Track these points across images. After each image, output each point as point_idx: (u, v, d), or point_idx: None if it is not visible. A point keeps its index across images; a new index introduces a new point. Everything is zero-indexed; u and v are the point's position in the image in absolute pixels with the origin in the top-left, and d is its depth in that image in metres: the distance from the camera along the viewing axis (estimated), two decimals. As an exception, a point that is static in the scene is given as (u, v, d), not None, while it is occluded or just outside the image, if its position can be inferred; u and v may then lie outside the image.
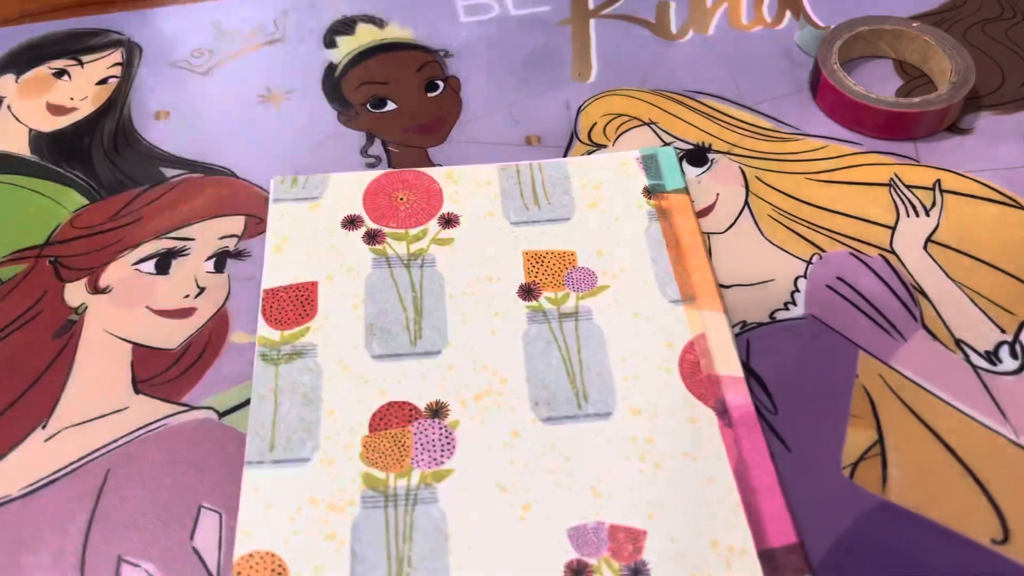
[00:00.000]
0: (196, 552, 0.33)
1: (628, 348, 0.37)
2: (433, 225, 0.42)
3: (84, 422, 0.37)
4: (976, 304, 0.39)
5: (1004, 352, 0.37)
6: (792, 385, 0.37)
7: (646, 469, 0.34)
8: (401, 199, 0.43)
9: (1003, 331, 0.38)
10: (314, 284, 0.40)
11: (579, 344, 0.38)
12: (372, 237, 0.42)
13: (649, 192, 0.43)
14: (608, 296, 0.39)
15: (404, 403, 0.36)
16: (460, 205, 0.43)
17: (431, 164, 0.45)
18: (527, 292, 0.39)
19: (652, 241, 0.41)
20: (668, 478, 0.34)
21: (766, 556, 0.32)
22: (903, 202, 0.42)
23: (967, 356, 0.37)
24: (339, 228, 0.42)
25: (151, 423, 0.37)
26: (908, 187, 0.43)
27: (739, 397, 0.36)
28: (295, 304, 0.39)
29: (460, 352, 0.38)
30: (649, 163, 0.44)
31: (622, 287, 0.39)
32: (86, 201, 0.45)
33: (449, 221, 0.42)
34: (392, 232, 0.42)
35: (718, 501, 0.33)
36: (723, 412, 0.35)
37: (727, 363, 0.37)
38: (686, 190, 0.43)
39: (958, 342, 0.37)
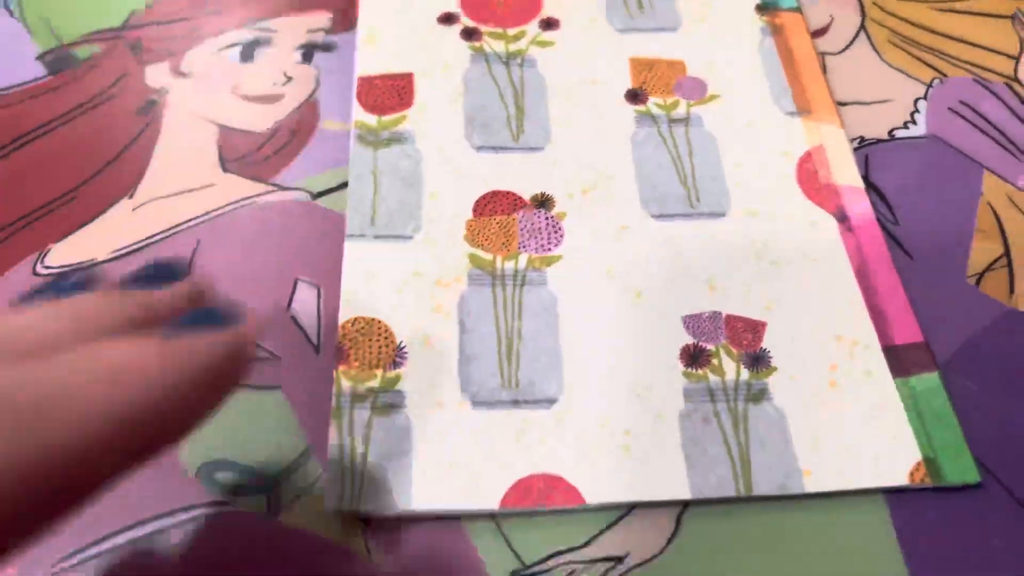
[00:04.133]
0: (294, 320, 0.32)
1: (742, 155, 0.36)
2: (533, 27, 0.40)
3: (171, 195, 0.35)
4: (1107, 132, 0.37)
5: None
6: (914, 199, 0.35)
7: (763, 266, 0.33)
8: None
9: None
10: (410, 75, 0.38)
11: (690, 148, 0.36)
12: (470, 34, 0.39)
13: (762, 9, 0.40)
14: (720, 105, 0.37)
15: (509, 192, 0.34)
16: (562, 9, 0.40)
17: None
18: (634, 97, 0.37)
19: (766, 55, 0.39)
20: (787, 276, 0.32)
21: (891, 352, 0.30)
22: (1028, 34, 0.40)
23: (1097, 181, 0.35)
24: (435, 23, 0.40)
25: (241, 199, 0.35)
26: (1033, 21, 0.41)
27: (859, 206, 0.34)
28: (391, 93, 0.37)
29: (564, 149, 0.36)
30: None
31: (735, 97, 0.37)
32: (163, -10, 0.42)
33: (550, 24, 0.40)
34: (490, 31, 0.40)
35: (840, 299, 0.32)
36: (843, 218, 0.34)
37: (846, 174, 0.35)
38: (799, 10, 0.41)
39: (1088, 167, 0.36)
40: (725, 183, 0.35)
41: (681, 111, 0.37)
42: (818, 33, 0.40)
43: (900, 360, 0.30)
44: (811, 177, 0.35)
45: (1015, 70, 0.39)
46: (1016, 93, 0.38)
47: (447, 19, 0.40)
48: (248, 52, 0.40)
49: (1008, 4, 0.42)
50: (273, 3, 0.42)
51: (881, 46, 0.40)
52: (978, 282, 0.33)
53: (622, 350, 0.30)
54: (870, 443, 0.28)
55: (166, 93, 0.38)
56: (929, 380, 0.30)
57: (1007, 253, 0.33)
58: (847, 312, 0.31)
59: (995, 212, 0.34)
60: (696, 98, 0.37)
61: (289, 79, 0.39)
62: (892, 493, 0.28)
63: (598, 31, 0.40)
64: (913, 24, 0.41)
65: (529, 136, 0.36)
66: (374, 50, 0.39)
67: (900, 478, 0.28)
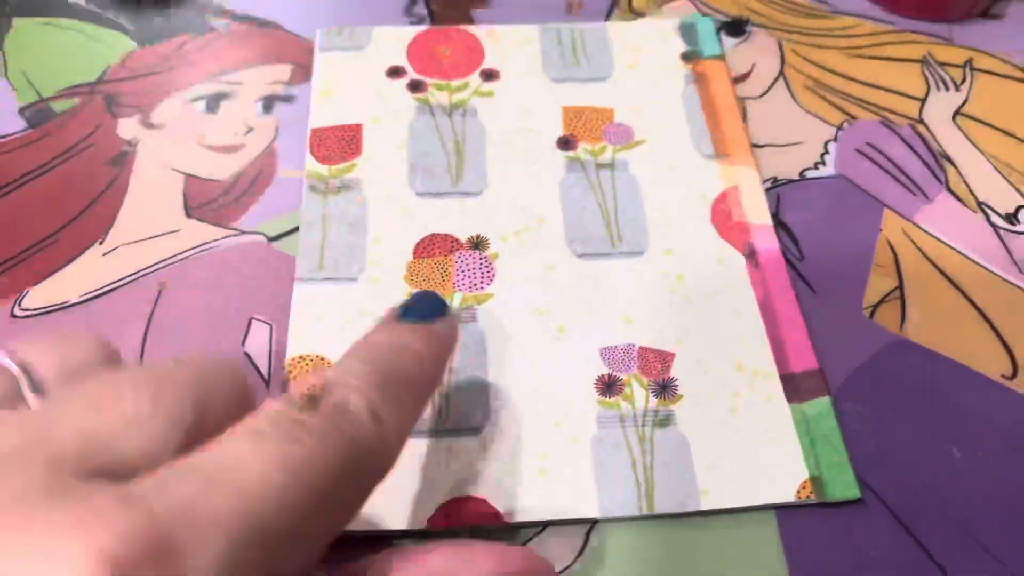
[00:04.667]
0: (248, 356, 0.35)
1: (662, 197, 0.39)
2: (475, 78, 0.43)
3: (139, 240, 0.38)
4: (999, 171, 0.40)
5: (1024, 214, 0.39)
6: (819, 235, 0.38)
7: (675, 301, 0.36)
8: (444, 53, 0.44)
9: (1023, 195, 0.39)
10: (359, 126, 0.41)
11: (615, 191, 0.39)
12: (415, 87, 0.43)
13: (687, 57, 0.44)
14: (644, 150, 0.40)
15: (447, 235, 0.38)
16: (501, 61, 0.44)
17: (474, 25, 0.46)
18: (565, 143, 0.41)
19: (688, 101, 0.42)
20: (696, 309, 0.35)
21: (788, 379, 0.34)
22: (934, 77, 0.44)
23: (988, 216, 0.38)
24: (383, 77, 0.43)
25: (203, 244, 0.38)
26: (940, 64, 0.44)
27: (767, 242, 0.37)
28: (341, 143, 0.40)
29: (499, 194, 0.39)
30: (687, 31, 0.45)
31: (658, 142, 0.41)
32: (135, 45, 0.46)
33: (490, 75, 0.43)
34: (435, 83, 0.43)
35: (744, 331, 0.35)
36: (751, 255, 0.37)
37: (757, 213, 0.38)
38: (723, 57, 0.44)
39: (980, 204, 0.39)
40: (645, 223, 0.38)
41: (607, 156, 0.40)
42: (740, 79, 0.44)
43: (796, 386, 0.34)
44: (724, 216, 0.38)
45: (920, 112, 0.42)
46: (919, 134, 0.41)
47: (395, 72, 0.43)
48: (213, 104, 0.43)
49: (916, 49, 0.45)
50: (237, 56, 0.45)
51: (797, 91, 0.43)
52: (872, 313, 0.36)
53: (544, 381, 0.34)
54: (763, 464, 0.32)
55: (137, 143, 0.42)
56: (821, 404, 0.33)
57: (900, 286, 0.37)
58: (750, 343, 0.35)
59: (892, 247, 0.38)
60: (622, 143, 0.41)
61: (250, 129, 0.42)
62: (782, 510, 0.31)
63: (535, 81, 0.43)
64: (827, 70, 0.44)
65: (467, 182, 0.39)
66: (327, 104, 0.42)
67: (788, 495, 0.31)
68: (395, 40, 0.44)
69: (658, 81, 0.43)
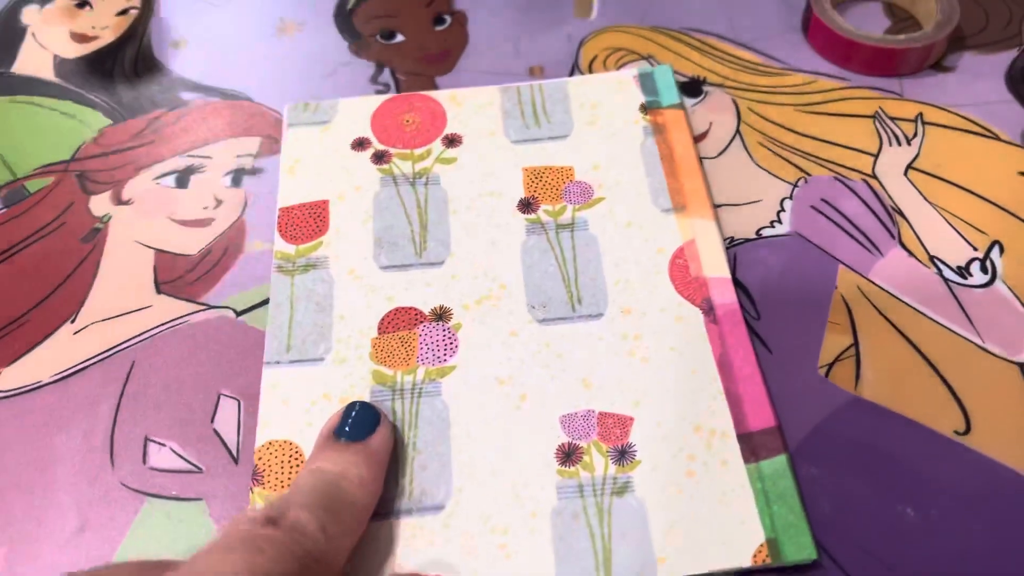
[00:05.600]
0: (217, 433, 0.36)
1: (621, 254, 0.40)
2: (437, 145, 0.44)
3: (110, 318, 0.39)
4: (951, 224, 0.41)
5: (975, 267, 0.39)
6: (775, 294, 0.39)
7: (634, 363, 0.36)
8: (407, 121, 0.45)
9: (975, 248, 0.40)
10: (325, 202, 0.42)
11: (575, 252, 0.40)
12: (379, 157, 0.44)
13: (645, 108, 0.45)
14: (603, 207, 0.41)
15: (410, 308, 0.38)
16: (463, 125, 0.45)
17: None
18: (526, 206, 0.42)
19: (647, 155, 0.43)
20: (654, 370, 0.36)
21: (745, 437, 0.34)
22: (886, 132, 0.45)
23: (940, 271, 0.39)
24: (349, 150, 0.44)
25: (173, 320, 0.39)
26: (892, 119, 0.45)
27: (725, 296, 0.38)
28: (308, 220, 0.41)
29: (462, 262, 0.40)
30: (646, 81, 0.46)
31: (617, 199, 0.42)
32: (109, 122, 0.47)
33: (452, 141, 0.44)
34: (398, 152, 0.44)
35: (701, 390, 0.36)
36: (709, 310, 0.38)
37: (715, 266, 0.39)
38: (681, 105, 0.45)
39: (932, 258, 0.40)
40: (604, 283, 0.39)
41: (567, 216, 0.41)
42: (698, 139, 0.45)
43: (753, 444, 0.34)
44: (682, 271, 0.39)
45: (873, 167, 0.43)
46: (872, 189, 0.42)
47: (360, 144, 0.44)
48: (183, 179, 0.44)
49: (868, 104, 0.46)
50: (207, 130, 0.46)
51: (753, 148, 0.44)
52: (828, 372, 0.36)
53: (505, 453, 0.34)
54: (720, 528, 0.32)
55: (108, 220, 0.43)
56: (777, 463, 0.34)
57: (856, 343, 0.37)
58: (707, 402, 0.35)
59: (847, 303, 0.38)
60: (582, 202, 0.42)
61: (220, 203, 0.43)
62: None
63: (496, 144, 0.44)
64: (782, 127, 0.45)
65: (431, 251, 0.40)
66: (294, 182, 0.43)
67: (745, 560, 0.31)
68: (360, 111, 0.46)
69: (617, 135, 0.44)
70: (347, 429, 0.32)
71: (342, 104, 0.46)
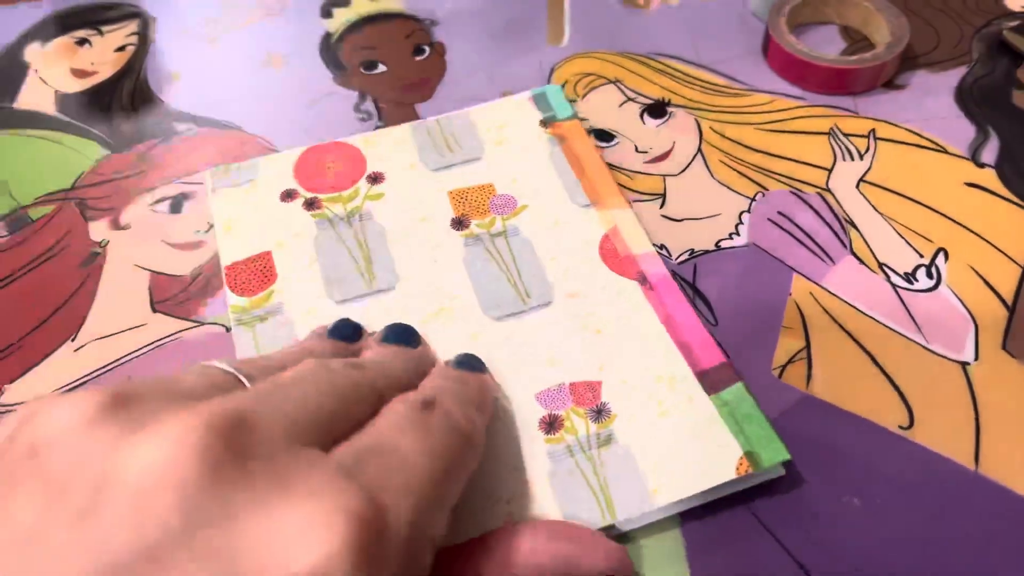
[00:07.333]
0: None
1: (554, 250, 0.43)
2: (363, 184, 0.46)
3: (108, 336, 0.42)
4: (899, 233, 0.43)
5: (921, 273, 0.42)
6: (732, 302, 0.41)
7: (589, 335, 0.39)
8: (329, 167, 0.47)
9: (920, 255, 0.42)
10: (268, 253, 0.44)
11: (512, 255, 0.43)
12: (310, 204, 0.46)
13: (545, 123, 0.48)
14: (529, 213, 0.44)
15: (372, 332, 0.41)
16: (383, 162, 0.47)
17: (418, 118, 0.50)
18: (459, 224, 0.44)
19: (557, 162, 0.46)
20: (609, 338, 0.39)
21: (702, 375, 0.37)
22: (840, 148, 0.47)
23: (888, 277, 0.42)
24: (279, 202, 0.46)
25: (167, 336, 0.42)
26: (846, 135, 0.48)
27: (655, 266, 0.42)
28: (256, 273, 0.43)
29: (412, 283, 0.42)
30: (540, 100, 0.50)
31: (539, 204, 0.45)
32: (107, 152, 0.50)
33: (376, 179, 0.47)
34: (327, 197, 0.46)
35: (654, 345, 0.39)
36: (644, 280, 0.41)
37: (640, 244, 0.43)
38: (575, 116, 0.49)
39: (881, 265, 0.42)
40: (546, 276, 0.42)
41: (499, 226, 0.44)
42: (662, 157, 0.47)
43: (711, 379, 0.37)
44: (612, 253, 0.42)
45: (827, 180, 0.46)
46: (826, 201, 0.45)
47: (288, 195, 0.46)
48: (177, 205, 0.47)
49: (824, 122, 0.49)
50: (200, 158, 0.49)
51: (714, 166, 0.47)
52: (781, 373, 0.39)
53: (494, 434, 0.37)
54: (702, 453, 0.35)
55: (106, 244, 0.45)
56: (736, 390, 0.37)
57: (807, 347, 0.40)
58: (662, 355, 0.38)
59: (800, 309, 0.41)
60: (508, 212, 0.45)
61: (211, 226, 0.46)
62: (686, 525, 0.34)
63: (417, 174, 0.47)
64: (742, 145, 0.48)
65: (380, 279, 0.42)
66: (233, 239, 0.44)
67: (729, 473, 0.34)
68: (281, 165, 0.47)
69: (527, 149, 0.47)
70: (396, 334, 0.37)
71: (262, 162, 0.48)
